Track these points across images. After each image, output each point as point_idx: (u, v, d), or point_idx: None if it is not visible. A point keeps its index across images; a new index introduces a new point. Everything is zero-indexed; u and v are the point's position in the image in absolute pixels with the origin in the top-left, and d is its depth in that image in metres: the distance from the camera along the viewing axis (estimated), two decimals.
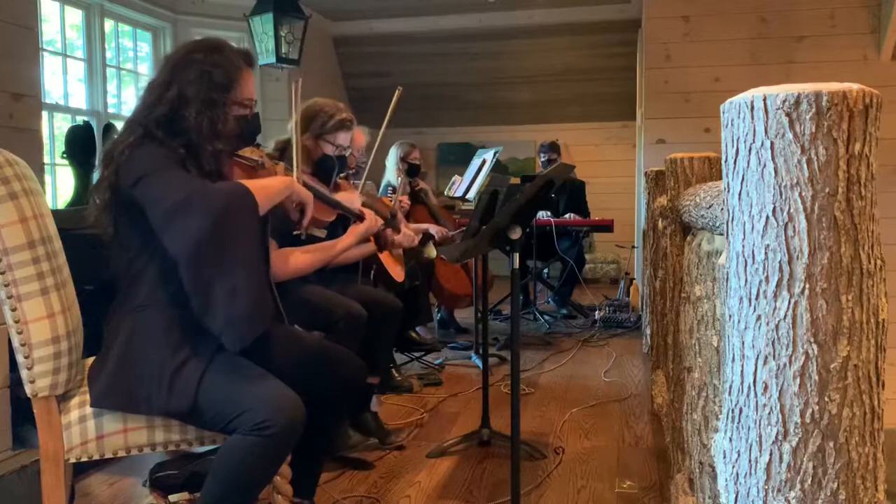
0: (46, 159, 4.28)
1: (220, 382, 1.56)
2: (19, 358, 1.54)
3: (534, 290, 5.41)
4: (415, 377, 3.60)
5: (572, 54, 6.90)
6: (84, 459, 1.60)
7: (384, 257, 3.10)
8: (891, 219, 2.39)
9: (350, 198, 2.44)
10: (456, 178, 4.69)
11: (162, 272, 1.61)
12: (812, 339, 0.80)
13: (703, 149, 2.35)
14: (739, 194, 0.85)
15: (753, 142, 0.82)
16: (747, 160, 0.83)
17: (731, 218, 0.88)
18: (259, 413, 1.49)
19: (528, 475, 2.44)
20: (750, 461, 0.85)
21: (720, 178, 1.48)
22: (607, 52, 6.77)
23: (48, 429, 1.57)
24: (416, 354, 3.98)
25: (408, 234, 3.04)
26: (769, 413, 0.83)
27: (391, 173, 4.45)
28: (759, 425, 0.83)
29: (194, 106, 1.64)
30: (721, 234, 1.36)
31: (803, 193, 0.80)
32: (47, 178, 4.39)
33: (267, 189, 1.67)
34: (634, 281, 5.79)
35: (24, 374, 1.54)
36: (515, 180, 2.28)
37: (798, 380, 0.81)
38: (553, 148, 5.84)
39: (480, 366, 3.13)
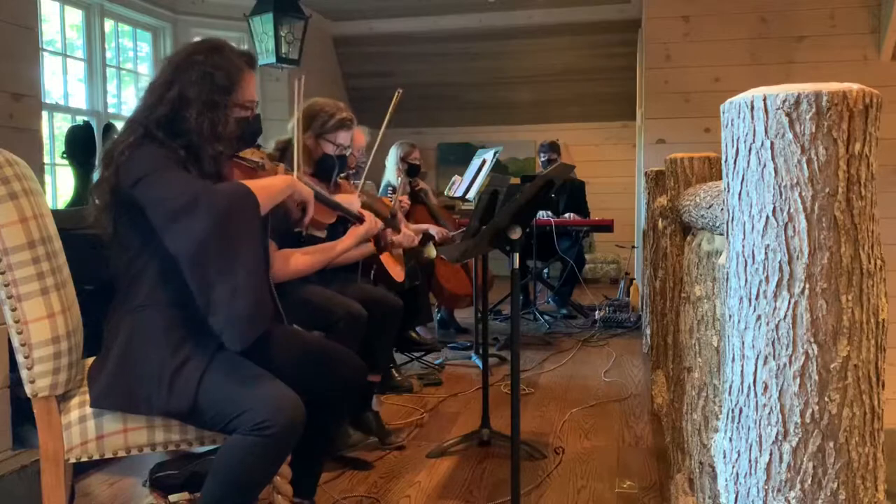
0: (46, 159, 4.28)
1: (219, 382, 1.56)
2: (19, 358, 1.54)
3: (534, 290, 5.41)
4: (415, 377, 3.60)
5: (572, 54, 6.90)
6: (84, 459, 1.60)
7: (384, 257, 3.10)
8: (891, 219, 2.39)
9: (350, 199, 2.44)
10: (456, 178, 4.69)
11: (162, 272, 1.61)
12: (812, 339, 0.80)
13: (703, 149, 2.35)
14: (739, 194, 0.85)
15: (753, 142, 0.82)
16: (747, 160, 0.83)
17: (731, 218, 0.88)
18: (259, 413, 1.49)
19: (528, 475, 2.44)
20: (750, 461, 0.85)
21: (720, 178, 1.49)
22: (607, 52, 6.77)
23: (48, 429, 1.57)
24: (416, 354, 3.98)
25: (408, 234, 3.04)
26: (769, 413, 0.83)
27: (391, 173, 4.45)
28: (759, 425, 0.83)
29: (195, 107, 1.64)
30: (721, 234, 1.36)
31: (803, 193, 0.80)
32: (47, 178, 4.39)
33: (268, 189, 1.67)
34: (634, 281, 5.79)
35: (24, 374, 1.54)
36: (515, 180, 2.28)
37: (798, 380, 0.81)
38: (553, 148, 5.84)
39: (480, 366, 3.13)
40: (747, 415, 0.85)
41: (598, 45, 6.73)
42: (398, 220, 2.99)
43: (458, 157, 7.73)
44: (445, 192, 4.83)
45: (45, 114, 4.19)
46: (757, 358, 0.83)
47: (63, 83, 4.83)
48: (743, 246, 0.85)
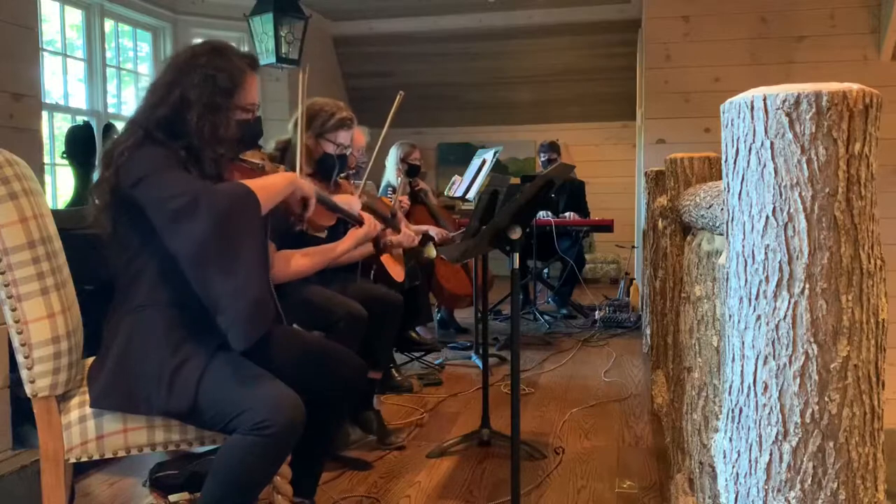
0: (46, 159, 4.29)
1: (219, 382, 1.56)
2: (19, 358, 1.54)
3: (534, 290, 5.41)
4: (415, 377, 3.60)
5: (572, 54, 6.90)
6: (84, 459, 1.60)
7: (384, 257, 3.10)
8: (891, 219, 2.39)
9: (350, 199, 2.44)
10: (456, 178, 4.69)
11: (161, 272, 1.61)
12: (812, 339, 0.80)
13: (703, 149, 2.35)
14: (739, 194, 0.85)
15: (753, 142, 0.82)
16: (747, 160, 0.83)
17: (731, 218, 0.88)
18: (258, 413, 1.49)
19: (528, 475, 2.44)
20: (750, 461, 0.85)
21: (720, 178, 1.49)
22: (607, 52, 6.77)
23: (48, 429, 1.57)
24: (416, 354, 3.98)
25: (408, 233, 3.04)
26: (769, 413, 0.83)
27: (391, 173, 4.45)
28: (759, 425, 0.83)
29: (196, 110, 1.64)
30: (721, 234, 1.36)
31: (803, 193, 0.80)
32: (47, 178, 4.39)
33: (269, 188, 1.67)
34: (634, 281, 5.79)
35: (24, 374, 1.54)
36: (515, 180, 2.28)
37: (798, 380, 0.81)
38: (553, 148, 5.84)
39: (480, 366, 3.13)
40: (747, 415, 0.85)
41: (598, 45, 6.73)
42: (398, 220, 2.99)
43: (458, 157, 7.73)
44: (445, 192, 4.83)
45: (45, 114, 4.19)
46: (757, 358, 0.83)
47: (63, 83, 4.83)
48: (743, 246, 0.85)
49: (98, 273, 1.79)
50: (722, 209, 1.17)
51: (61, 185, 4.70)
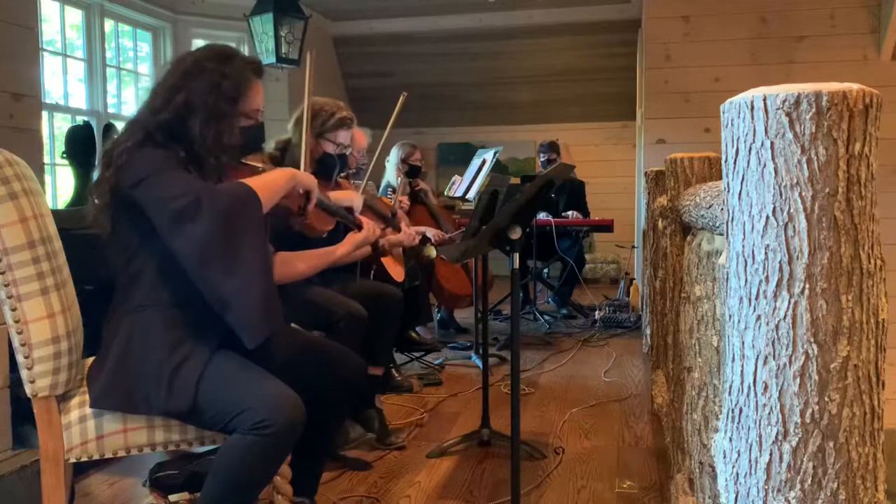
0: (46, 159, 4.29)
1: (219, 382, 1.56)
2: (19, 358, 1.54)
3: (534, 290, 5.41)
4: (415, 377, 3.60)
5: (572, 54, 6.90)
6: (84, 459, 1.60)
7: (384, 257, 3.10)
8: (891, 219, 2.39)
9: (351, 195, 2.44)
10: (456, 178, 4.69)
11: (161, 272, 1.61)
12: (812, 339, 0.80)
13: (703, 149, 2.35)
14: (739, 194, 0.85)
15: (753, 142, 0.82)
16: (747, 160, 0.83)
17: (731, 218, 0.88)
18: (258, 412, 1.49)
19: (528, 475, 2.44)
20: (750, 461, 0.85)
21: (720, 178, 1.49)
22: (607, 52, 6.77)
23: (48, 429, 1.57)
24: (416, 354, 3.98)
25: (409, 232, 3.04)
26: (769, 413, 0.83)
27: (391, 174, 4.45)
28: (759, 425, 0.83)
29: (200, 116, 1.63)
30: (721, 234, 1.36)
31: (803, 193, 0.80)
32: (47, 178, 4.39)
33: (270, 185, 1.67)
34: (634, 281, 5.79)
35: (24, 374, 1.54)
36: (515, 180, 2.28)
37: (798, 380, 0.81)
38: (552, 148, 5.84)
39: (480, 366, 3.13)
40: (747, 415, 0.85)
41: (598, 45, 6.73)
42: (398, 220, 2.99)
43: (458, 157, 7.73)
44: (445, 192, 4.83)
45: (45, 114, 4.19)
46: (757, 358, 0.83)
47: (63, 83, 4.83)
48: (743, 246, 0.85)
49: (98, 273, 1.79)
50: (722, 209, 1.17)
51: (61, 185, 4.70)
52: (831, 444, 0.80)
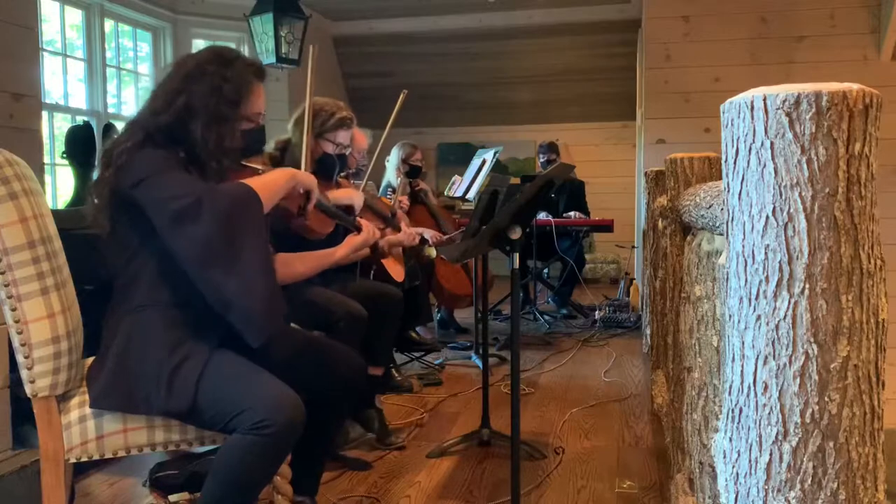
0: (46, 159, 4.29)
1: (218, 382, 1.56)
2: (19, 358, 1.54)
3: (534, 290, 5.41)
4: (415, 377, 3.59)
5: (572, 54, 6.90)
6: (84, 459, 1.60)
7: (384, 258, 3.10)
8: (891, 219, 2.39)
9: (352, 193, 2.44)
10: (456, 178, 4.69)
11: (161, 272, 1.61)
12: (812, 339, 0.80)
13: (703, 149, 2.35)
14: (739, 194, 0.85)
15: (753, 142, 0.82)
16: (747, 160, 0.83)
17: (731, 218, 0.88)
18: (258, 412, 1.49)
19: (528, 475, 2.44)
20: (750, 461, 0.85)
21: (720, 178, 1.49)
22: (607, 52, 6.77)
23: (48, 429, 1.57)
24: (416, 354, 3.98)
25: (409, 231, 3.04)
26: (769, 413, 0.83)
27: (391, 174, 4.45)
28: (759, 425, 0.83)
29: (202, 119, 1.63)
30: (721, 234, 1.36)
31: (803, 193, 0.80)
32: (47, 178, 4.39)
33: (270, 186, 1.67)
34: (634, 281, 5.79)
35: (24, 374, 1.54)
36: (515, 180, 2.28)
37: (798, 380, 0.81)
38: (552, 148, 5.85)
39: (480, 366, 3.13)
40: (747, 415, 0.85)
41: (598, 45, 6.73)
42: (398, 220, 2.99)
43: (458, 157, 7.73)
44: (445, 192, 4.83)
45: (45, 114, 4.20)
46: (757, 358, 0.83)
47: (63, 83, 4.83)
48: (743, 246, 0.85)
49: (98, 273, 1.79)
50: (722, 209, 1.17)
51: (61, 185, 4.70)
52: (831, 444, 0.80)
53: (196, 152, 1.63)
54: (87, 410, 1.58)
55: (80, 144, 4.12)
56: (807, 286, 0.80)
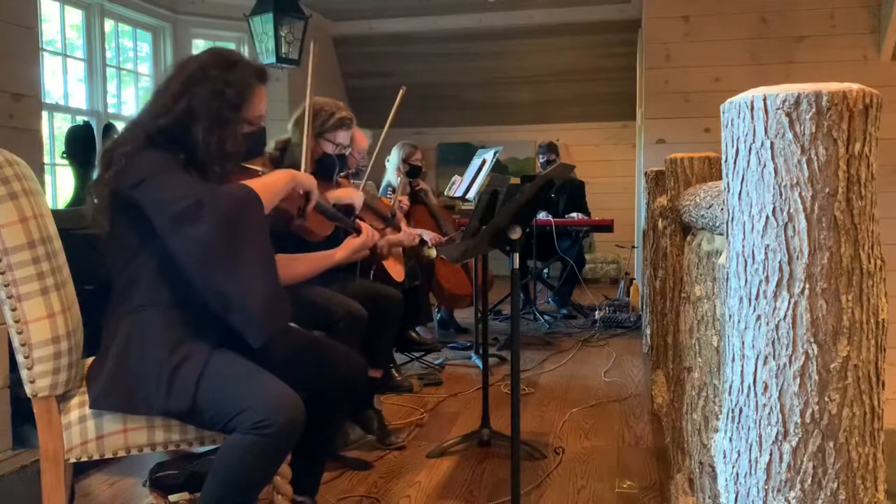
0: (46, 159, 4.29)
1: (218, 382, 1.56)
2: (19, 358, 1.54)
3: (534, 290, 5.41)
4: (415, 377, 3.59)
5: (572, 54, 6.90)
6: (84, 459, 1.60)
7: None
8: (891, 219, 2.39)
9: (352, 193, 2.44)
10: (456, 178, 4.69)
11: (160, 272, 1.61)
12: (812, 339, 0.80)
13: (703, 149, 2.35)
14: (739, 194, 0.85)
15: (753, 142, 0.82)
16: (747, 160, 0.83)
17: (731, 218, 0.88)
18: (258, 412, 1.49)
19: (528, 475, 2.44)
20: (750, 461, 0.85)
21: (720, 178, 1.49)
22: (607, 52, 6.77)
23: (48, 429, 1.57)
24: (416, 354, 3.98)
25: (409, 231, 3.04)
26: (769, 413, 0.83)
27: (391, 174, 4.45)
28: (759, 425, 0.83)
29: (203, 123, 1.63)
30: (721, 234, 1.36)
31: (803, 193, 0.80)
32: (47, 178, 4.39)
33: (270, 187, 1.67)
34: (634, 281, 5.79)
35: (24, 374, 1.54)
36: (515, 180, 2.28)
37: (798, 380, 0.81)
38: (551, 149, 5.85)
39: (480, 366, 3.13)
40: (747, 415, 0.85)
41: (598, 45, 6.73)
42: (397, 220, 2.99)
43: (458, 157, 7.73)
44: (445, 192, 4.83)
45: (45, 114, 4.20)
46: (757, 358, 0.83)
47: (63, 83, 4.83)
48: (743, 246, 0.85)
49: (98, 273, 1.79)
50: (722, 209, 1.17)
51: (61, 185, 4.70)
52: (831, 444, 0.80)
53: (197, 155, 1.63)
54: (87, 410, 1.58)
55: (80, 144, 4.12)
56: (807, 286, 0.80)
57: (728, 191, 0.89)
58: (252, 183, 1.63)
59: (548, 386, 3.64)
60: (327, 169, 2.65)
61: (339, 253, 2.18)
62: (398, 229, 2.97)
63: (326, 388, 1.84)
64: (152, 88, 1.74)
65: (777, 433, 0.82)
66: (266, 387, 1.55)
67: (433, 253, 3.39)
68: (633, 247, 6.29)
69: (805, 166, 0.79)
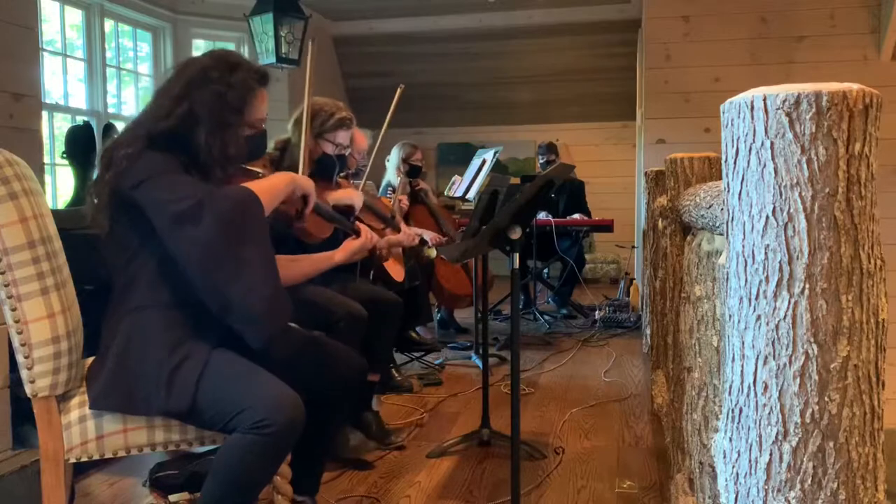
0: (46, 159, 4.29)
1: (218, 381, 1.56)
2: (19, 358, 1.54)
3: (534, 290, 5.41)
4: (415, 377, 3.60)
5: (572, 54, 6.90)
6: (84, 459, 1.60)
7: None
8: (891, 219, 2.39)
9: (352, 193, 2.44)
10: (456, 178, 4.69)
11: (160, 273, 1.61)
12: (812, 339, 0.80)
13: (703, 149, 2.35)
14: (739, 194, 0.85)
15: (753, 142, 0.82)
16: (747, 160, 0.83)
17: (731, 218, 0.88)
18: (258, 412, 1.49)
19: (528, 475, 2.44)
20: (750, 461, 0.85)
21: (720, 178, 1.49)
22: (607, 52, 6.77)
23: (48, 429, 1.57)
24: (416, 354, 3.98)
25: (408, 231, 3.04)
26: (769, 413, 0.83)
27: (391, 173, 4.45)
28: (759, 425, 0.83)
29: (205, 126, 1.62)
30: (721, 234, 1.36)
31: (803, 193, 0.80)
32: (47, 178, 4.39)
33: (270, 189, 1.67)
34: (634, 281, 5.79)
35: (24, 374, 1.54)
36: (515, 180, 2.28)
37: (798, 380, 0.81)
38: (551, 149, 5.85)
39: (480, 366, 3.13)
40: (747, 415, 0.85)
41: (598, 45, 6.73)
42: (397, 220, 2.99)
43: (458, 157, 7.73)
44: (445, 192, 4.83)
45: (45, 114, 4.20)
46: (757, 358, 0.83)
47: (63, 83, 4.83)
48: (743, 246, 0.85)
49: (98, 273, 1.79)
50: (722, 209, 1.17)
51: (61, 185, 4.70)
52: (831, 444, 0.80)
53: (199, 158, 1.63)
54: (87, 410, 1.58)
55: (80, 144, 4.12)
56: (807, 286, 0.80)
57: (728, 191, 0.89)
58: (252, 185, 1.63)
59: (548, 386, 3.64)
60: (327, 169, 2.65)
61: (338, 255, 2.18)
62: (398, 230, 2.97)
63: (326, 388, 1.84)
64: (153, 89, 1.73)
65: (777, 433, 0.82)
66: (266, 387, 1.55)
67: (433, 253, 3.39)
68: (633, 247, 6.29)
69: (805, 166, 0.79)
